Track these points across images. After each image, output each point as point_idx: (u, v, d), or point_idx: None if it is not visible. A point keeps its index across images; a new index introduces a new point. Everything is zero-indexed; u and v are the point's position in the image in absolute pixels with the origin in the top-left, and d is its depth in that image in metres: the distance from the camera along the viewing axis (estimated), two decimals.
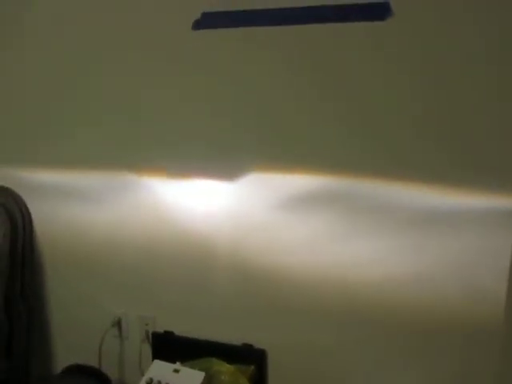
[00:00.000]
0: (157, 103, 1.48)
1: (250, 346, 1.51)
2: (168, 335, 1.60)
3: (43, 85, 1.61)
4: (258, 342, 1.50)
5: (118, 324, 1.64)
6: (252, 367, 1.47)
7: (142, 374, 1.43)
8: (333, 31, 1.29)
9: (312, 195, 1.38)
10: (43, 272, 1.70)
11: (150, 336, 1.61)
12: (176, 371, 1.38)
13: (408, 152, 1.30)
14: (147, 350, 1.63)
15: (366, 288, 1.38)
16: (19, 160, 1.67)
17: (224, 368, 1.43)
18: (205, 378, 1.35)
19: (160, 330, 1.61)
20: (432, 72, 1.23)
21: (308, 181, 1.38)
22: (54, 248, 1.68)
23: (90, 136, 1.58)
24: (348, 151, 1.34)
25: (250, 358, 1.49)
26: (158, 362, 1.43)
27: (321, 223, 1.39)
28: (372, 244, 1.36)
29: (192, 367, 1.41)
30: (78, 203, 1.62)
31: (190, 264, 1.53)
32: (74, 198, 1.62)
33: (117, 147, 1.55)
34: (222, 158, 1.44)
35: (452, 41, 1.20)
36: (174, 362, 1.41)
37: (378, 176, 1.33)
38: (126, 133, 1.54)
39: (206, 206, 1.48)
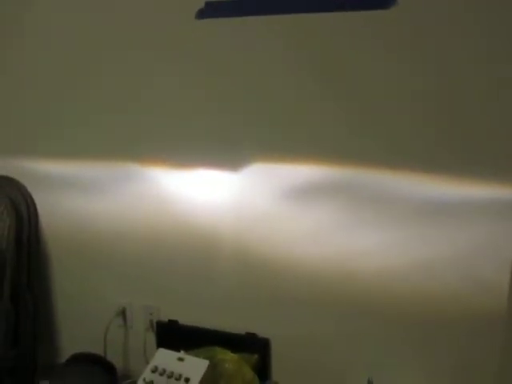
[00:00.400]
0: (159, 94, 1.49)
1: (254, 334, 1.52)
2: (172, 324, 1.61)
3: (46, 75, 1.61)
4: (261, 331, 1.52)
5: (122, 313, 1.66)
6: (256, 356, 1.49)
7: (147, 363, 1.44)
8: (335, 20, 1.29)
9: (315, 185, 1.39)
10: (48, 262, 1.71)
11: (155, 325, 1.63)
12: (180, 359, 1.39)
13: (410, 142, 1.30)
14: (152, 338, 1.64)
15: (368, 279, 1.39)
16: (23, 151, 1.67)
17: (228, 356, 1.45)
18: (209, 366, 1.36)
19: (164, 319, 1.62)
20: (434, 60, 1.23)
21: (311, 171, 1.38)
22: (59, 239, 1.69)
23: (92, 127, 1.58)
24: (351, 141, 1.34)
25: (254, 346, 1.51)
26: (162, 351, 1.45)
27: (324, 214, 1.40)
28: (375, 234, 1.37)
29: (196, 356, 1.42)
30: (82, 194, 1.63)
31: (194, 254, 1.54)
32: (77, 189, 1.63)
33: (120, 138, 1.56)
34: (224, 148, 1.44)
35: (454, 31, 1.20)
36: (179, 351, 1.43)
37: (380, 166, 1.33)
38: (129, 123, 1.54)
39: (209, 197, 1.49)
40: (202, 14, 1.35)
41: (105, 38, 1.52)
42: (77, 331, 1.73)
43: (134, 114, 1.53)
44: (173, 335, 1.61)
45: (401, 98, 1.29)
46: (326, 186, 1.38)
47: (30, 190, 1.66)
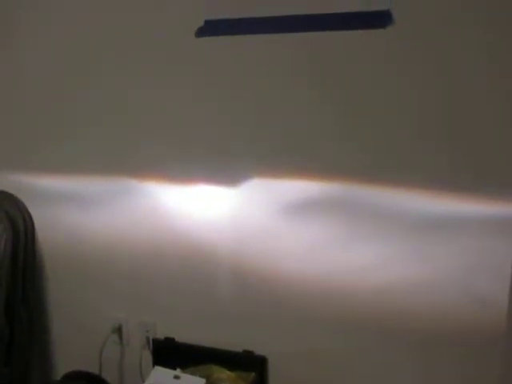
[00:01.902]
0: (158, 108, 1.49)
1: (251, 352, 1.51)
2: (169, 342, 1.59)
3: (45, 89, 1.61)
4: (258, 348, 1.50)
5: (118, 330, 1.64)
6: (253, 374, 1.47)
7: (143, 381, 1.43)
8: (334, 39, 1.30)
9: (313, 201, 1.38)
10: (44, 277, 1.70)
11: (151, 342, 1.61)
12: (176, 378, 1.38)
13: (409, 157, 1.30)
14: (148, 356, 1.62)
15: (366, 295, 1.38)
16: (21, 166, 1.67)
17: (225, 375, 1.43)
18: None
19: (161, 336, 1.60)
20: (433, 76, 1.24)
21: (309, 186, 1.38)
22: (56, 254, 1.67)
23: (91, 141, 1.58)
24: (349, 156, 1.34)
25: (251, 364, 1.49)
26: (158, 369, 1.43)
27: (322, 229, 1.39)
28: (373, 250, 1.36)
29: (193, 374, 1.41)
30: (80, 209, 1.62)
31: (191, 270, 1.53)
32: (75, 204, 1.62)
33: (118, 152, 1.55)
34: (222, 163, 1.44)
35: (452, 46, 1.21)
36: (175, 369, 1.41)
37: (378, 181, 1.33)
38: (128, 137, 1.54)
39: (206, 212, 1.48)
40: (201, 33, 1.36)
41: (104, 52, 1.52)
42: (73, 347, 1.71)
43: (132, 128, 1.53)
44: (169, 353, 1.59)
45: (400, 112, 1.29)
46: (323, 201, 1.38)
47: (28, 204, 1.65)
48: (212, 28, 1.35)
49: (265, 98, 1.39)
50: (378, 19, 1.24)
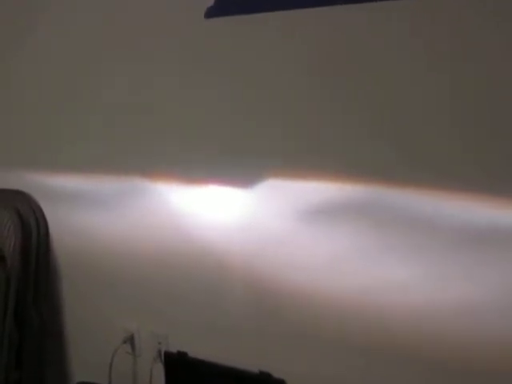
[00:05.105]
0: (171, 108, 1.41)
1: (268, 374, 1.35)
2: (181, 356, 1.47)
3: (57, 89, 1.59)
4: (276, 369, 1.34)
5: (130, 340, 1.54)
6: None
7: None
8: (361, 16, 1.12)
9: (336, 205, 1.21)
10: (58, 280, 1.64)
11: (163, 355, 1.50)
12: None
13: (451, 157, 1.09)
14: (160, 369, 1.51)
15: (398, 318, 1.18)
16: (35, 165, 1.64)
17: None
18: None
19: (173, 349, 1.48)
20: (471, 65, 1.04)
21: (330, 188, 1.21)
22: (69, 256, 1.61)
23: (104, 141, 1.53)
24: (378, 155, 1.16)
25: None
26: None
27: (346, 238, 1.22)
28: (407, 266, 1.17)
29: None
30: (95, 210, 1.56)
31: (203, 279, 1.40)
32: (90, 205, 1.57)
33: (130, 151, 1.48)
34: (234, 162, 1.31)
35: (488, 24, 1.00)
36: None
37: (414, 185, 1.13)
38: (140, 138, 1.47)
39: (220, 218, 1.36)
40: (211, 12, 1.22)
41: (116, 51, 1.47)
42: (86, 355, 1.64)
43: (145, 128, 1.46)
44: (182, 367, 1.47)
45: (438, 106, 1.09)
46: (348, 205, 1.20)
47: (42, 205, 1.60)
48: (223, 7, 1.20)
49: (282, 92, 1.24)
50: None
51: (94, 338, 1.60)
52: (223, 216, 1.35)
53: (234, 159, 1.31)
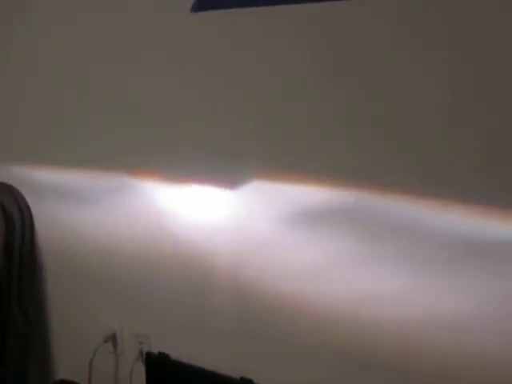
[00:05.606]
0: (157, 104, 1.36)
1: (250, 381, 1.31)
2: (163, 357, 1.43)
3: (46, 84, 1.54)
4: (258, 376, 1.30)
5: (112, 339, 1.50)
6: None
7: None
8: (357, 13, 1.07)
9: (325, 210, 1.16)
10: (44, 277, 1.60)
11: (144, 356, 1.46)
12: None
13: (447, 164, 1.05)
14: (141, 369, 1.47)
15: (386, 329, 1.14)
16: (22, 159, 1.59)
17: None
18: None
19: (155, 350, 1.44)
20: (471, 65, 0.99)
21: (320, 192, 1.16)
22: (54, 252, 1.57)
23: (91, 137, 1.48)
24: (370, 159, 1.11)
25: None
26: None
27: (334, 245, 1.17)
28: (397, 275, 1.12)
29: None
30: (80, 206, 1.51)
31: (188, 281, 1.36)
32: (75, 201, 1.52)
33: (116, 149, 1.44)
34: (221, 162, 1.26)
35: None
36: None
37: (407, 192, 1.09)
38: (127, 135, 1.42)
39: (206, 218, 1.31)
40: (197, 6, 1.17)
41: (103, 49, 1.42)
42: (69, 352, 1.61)
43: (132, 126, 1.41)
44: (163, 369, 1.44)
45: (435, 111, 1.04)
46: (337, 210, 1.15)
47: (28, 199, 1.56)
48: (209, 0, 1.15)
49: (269, 93, 1.19)
50: None
51: (77, 335, 1.56)
52: (208, 216, 1.31)
53: (221, 160, 1.26)
